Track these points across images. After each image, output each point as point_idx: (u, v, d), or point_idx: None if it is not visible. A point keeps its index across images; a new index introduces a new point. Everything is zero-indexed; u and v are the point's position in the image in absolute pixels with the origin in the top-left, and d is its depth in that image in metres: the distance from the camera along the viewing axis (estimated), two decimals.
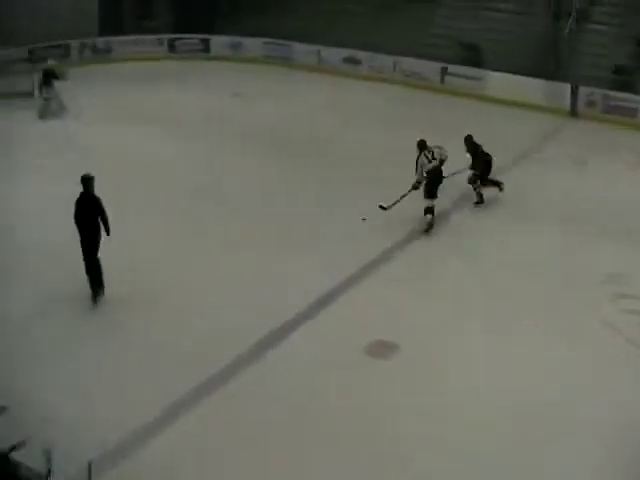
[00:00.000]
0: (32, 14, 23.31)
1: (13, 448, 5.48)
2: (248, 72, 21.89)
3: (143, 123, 17.57)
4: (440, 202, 12.85)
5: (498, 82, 20.57)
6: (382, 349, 9.25)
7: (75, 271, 10.19)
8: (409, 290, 10.67)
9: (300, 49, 24.63)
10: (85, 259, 10.14)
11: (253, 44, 25.40)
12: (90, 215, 9.98)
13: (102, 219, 10.00)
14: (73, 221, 10.04)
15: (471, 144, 13.53)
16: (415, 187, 12.62)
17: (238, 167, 15.00)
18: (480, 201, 13.77)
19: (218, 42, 26.06)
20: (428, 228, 12.58)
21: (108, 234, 10.04)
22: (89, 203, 10.02)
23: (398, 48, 22.67)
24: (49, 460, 5.15)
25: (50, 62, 19.63)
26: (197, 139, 16.82)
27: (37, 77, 19.14)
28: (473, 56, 22.18)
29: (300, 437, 7.76)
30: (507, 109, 19.41)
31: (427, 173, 12.54)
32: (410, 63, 22.52)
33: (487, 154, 13.49)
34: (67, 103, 18.56)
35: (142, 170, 14.76)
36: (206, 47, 26.11)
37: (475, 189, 13.70)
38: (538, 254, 11.80)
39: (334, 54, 23.78)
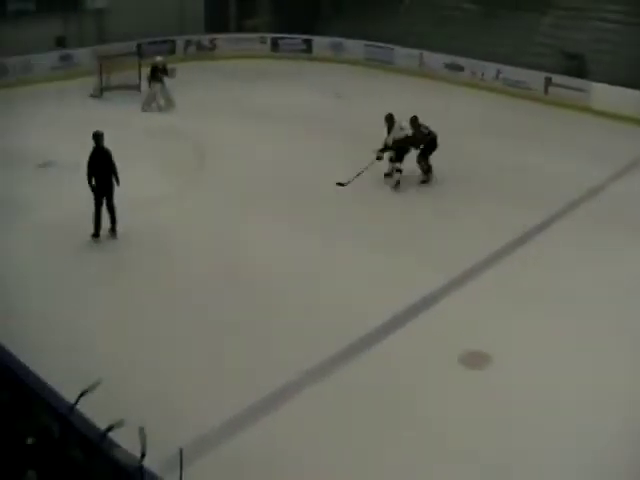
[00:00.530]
0: (140, 11, 24.04)
1: (110, 429, 5.59)
2: (349, 73, 21.98)
3: (244, 118, 17.84)
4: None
5: (603, 94, 19.96)
6: (476, 358, 9.05)
7: None
8: (509, 298, 10.46)
9: (401, 53, 24.54)
10: (103, 203, 11.67)
11: (354, 46, 25.46)
12: (104, 166, 11.53)
13: (112, 170, 11.62)
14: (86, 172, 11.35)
15: (414, 123, 14.41)
16: (379, 157, 14.06)
17: (340, 167, 15.05)
18: (426, 180, 14.68)
19: (320, 43, 26.25)
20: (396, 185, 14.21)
21: (118, 184, 11.68)
22: (102, 156, 11.55)
23: (501, 56, 22.44)
24: (143, 442, 5.20)
25: (159, 58, 20.10)
26: (297, 137, 16.98)
27: (145, 71, 19.70)
28: (577, 66, 21.66)
29: (393, 442, 7.67)
30: (611, 122, 18.83)
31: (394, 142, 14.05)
32: (513, 72, 22.14)
33: (430, 132, 14.41)
34: (173, 98, 19.03)
35: (243, 166, 15.05)
36: (308, 47, 26.32)
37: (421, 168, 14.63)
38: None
39: (436, 59, 23.58)
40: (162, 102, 19.37)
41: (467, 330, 9.61)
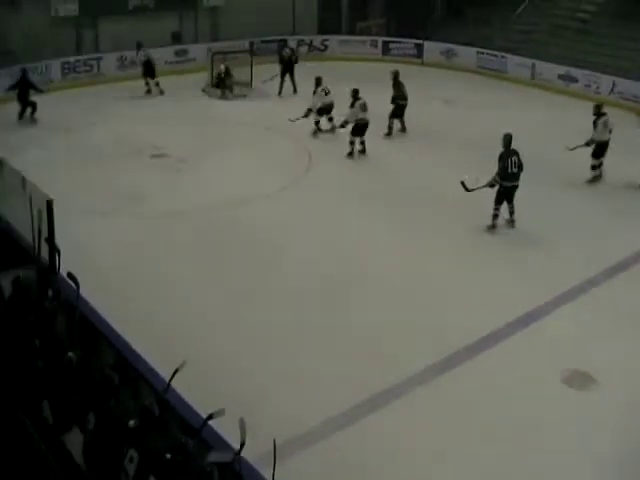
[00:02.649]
0: (254, 10, 24.46)
1: (210, 416, 5.68)
2: (459, 81, 21.72)
3: None
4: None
5: None
6: (580, 379, 8.80)
7: None
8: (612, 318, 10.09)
9: (514, 62, 24.10)
10: None
11: (466, 53, 25.16)
12: None
13: None
14: None
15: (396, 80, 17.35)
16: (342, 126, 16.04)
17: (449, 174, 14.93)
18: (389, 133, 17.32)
19: (431, 48, 26.06)
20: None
21: None
22: None
23: (617, 68, 21.76)
24: (243, 432, 5.25)
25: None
26: (404, 142, 16.95)
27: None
28: None
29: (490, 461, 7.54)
30: None
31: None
32: (629, 85, 21.43)
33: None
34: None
35: (348, 167, 15.14)
36: (419, 52, 26.17)
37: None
38: None
39: (549, 69, 23.05)
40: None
41: (569, 349, 9.33)
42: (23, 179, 9.73)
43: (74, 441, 6.06)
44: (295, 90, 20.90)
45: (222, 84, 20.56)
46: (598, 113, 14.78)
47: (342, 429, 7.76)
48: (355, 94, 16.01)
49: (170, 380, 5.83)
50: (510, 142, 12.40)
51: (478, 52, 24.83)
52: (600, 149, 14.66)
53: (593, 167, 14.77)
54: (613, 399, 8.41)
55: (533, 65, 23.55)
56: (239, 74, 21.10)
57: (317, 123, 17.34)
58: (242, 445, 5.19)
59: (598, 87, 21.81)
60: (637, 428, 8.01)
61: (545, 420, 8.07)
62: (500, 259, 11.78)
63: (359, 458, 7.42)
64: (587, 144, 14.44)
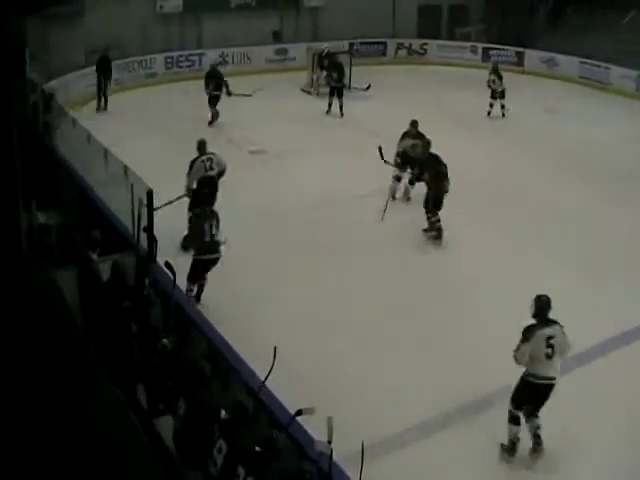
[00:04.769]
0: (354, 12, 24.53)
1: (299, 413, 5.73)
2: (561, 90, 21.25)
3: (450, 123, 17.82)
4: None
5: None
6: None
7: None
8: None
9: (618, 73, 23.40)
10: None
11: (568, 62, 24.52)
12: None
13: None
14: None
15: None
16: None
17: (539, 181, 14.71)
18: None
19: (532, 56, 25.55)
20: None
21: None
22: None
23: None
24: (331, 430, 5.27)
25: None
26: (502, 149, 16.79)
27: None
28: None
29: None
30: None
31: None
32: None
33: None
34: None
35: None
36: (520, 60, 25.72)
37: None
38: None
39: None
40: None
41: None
42: (125, 168, 10.03)
43: (165, 425, 6.21)
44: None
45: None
46: None
47: (432, 434, 7.69)
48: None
49: (265, 379, 5.90)
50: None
51: (580, 61, 24.20)
52: None
53: None
54: None
55: (638, 77, 22.84)
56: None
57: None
58: (329, 443, 5.23)
59: None
60: None
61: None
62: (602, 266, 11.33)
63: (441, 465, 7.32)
64: None
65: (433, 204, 11.88)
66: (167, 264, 7.65)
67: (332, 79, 18.97)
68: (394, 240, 12.06)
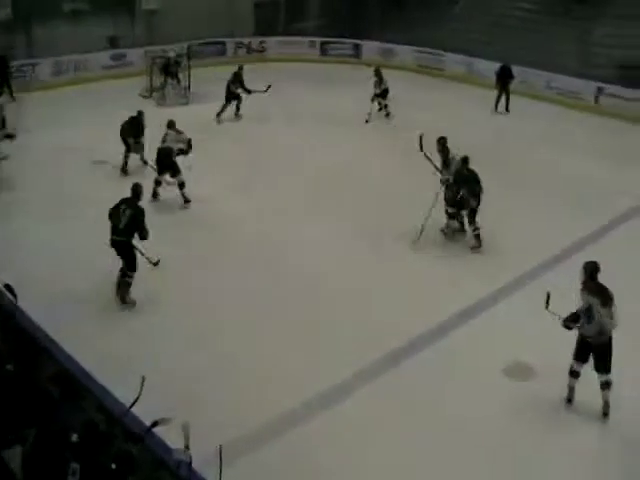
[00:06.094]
0: (191, 13, 24.30)
1: (155, 424, 5.63)
2: (398, 79, 21.78)
3: (291, 120, 17.98)
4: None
5: None
6: (521, 369, 8.96)
7: None
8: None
9: (452, 59, 24.43)
10: None
11: (404, 52, 25.38)
12: None
13: None
14: None
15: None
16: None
17: (384, 168, 15.17)
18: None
19: (369, 48, 26.24)
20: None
21: None
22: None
23: (553, 65, 22.19)
24: (187, 436, 5.23)
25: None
26: (343, 139, 17.08)
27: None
28: (631, 76, 21.31)
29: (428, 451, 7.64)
30: None
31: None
32: (565, 81, 21.87)
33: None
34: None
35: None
36: (357, 52, 26.32)
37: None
38: None
39: (486, 66, 23.39)
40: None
41: (511, 341, 9.49)
42: None
43: (14, 455, 5.94)
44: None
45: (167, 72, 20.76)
46: None
47: (289, 430, 7.78)
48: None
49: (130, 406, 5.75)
50: None
51: (416, 50, 25.07)
52: None
53: None
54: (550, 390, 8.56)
55: (471, 62, 23.89)
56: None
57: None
58: (186, 449, 5.19)
59: (534, 83, 22.20)
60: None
61: (488, 409, 8.28)
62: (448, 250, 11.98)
63: (306, 458, 7.46)
64: None
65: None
66: (7, 286, 7.32)
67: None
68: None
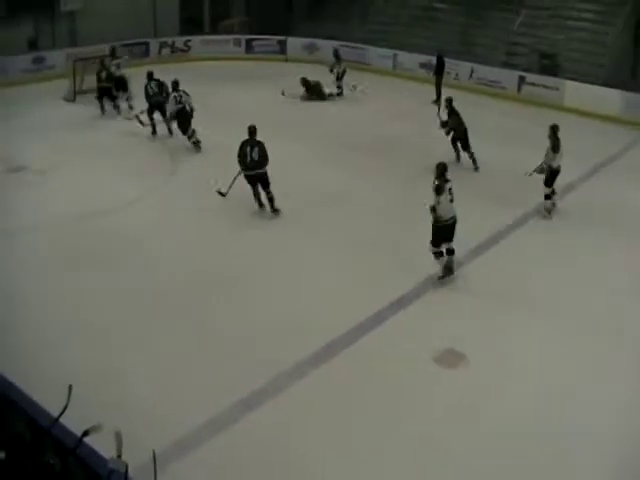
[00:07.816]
0: (114, 13, 23.94)
1: (86, 433, 5.54)
2: (323, 74, 21.87)
3: (213, 118, 17.89)
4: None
5: (576, 92, 20.25)
6: (451, 358, 9.09)
7: None
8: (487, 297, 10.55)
9: (376, 53, 24.70)
10: None
11: (328, 46, 25.44)
12: None
13: None
14: None
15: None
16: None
17: (306, 164, 15.32)
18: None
19: (294, 44, 26.29)
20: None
21: None
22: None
23: (475, 55, 22.69)
24: (119, 445, 5.16)
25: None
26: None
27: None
28: (551, 65, 21.94)
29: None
30: (585, 119, 19.11)
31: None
32: (486, 71, 22.34)
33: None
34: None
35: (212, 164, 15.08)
36: (282, 48, 26.35)
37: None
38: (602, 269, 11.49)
39: (410, 59, 23.74)
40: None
41: (440, 330, 9.67)
42: None
43: None
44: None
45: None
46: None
47: (220, 431, 7.75)
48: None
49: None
50: None
51: (340, 45, 25.09)
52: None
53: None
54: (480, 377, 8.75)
55: (394, 55, 24.18)
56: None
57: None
58: (119, 457, 5.13)
59: (457, 74, 22.60)
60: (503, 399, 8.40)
61: (422, 399, 8.42)
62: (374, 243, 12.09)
63: (241, 458, 7.43)
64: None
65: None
66: None
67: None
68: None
